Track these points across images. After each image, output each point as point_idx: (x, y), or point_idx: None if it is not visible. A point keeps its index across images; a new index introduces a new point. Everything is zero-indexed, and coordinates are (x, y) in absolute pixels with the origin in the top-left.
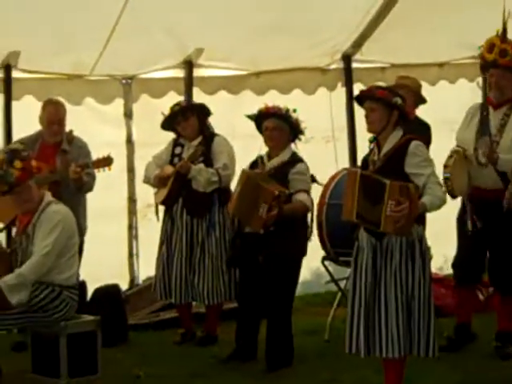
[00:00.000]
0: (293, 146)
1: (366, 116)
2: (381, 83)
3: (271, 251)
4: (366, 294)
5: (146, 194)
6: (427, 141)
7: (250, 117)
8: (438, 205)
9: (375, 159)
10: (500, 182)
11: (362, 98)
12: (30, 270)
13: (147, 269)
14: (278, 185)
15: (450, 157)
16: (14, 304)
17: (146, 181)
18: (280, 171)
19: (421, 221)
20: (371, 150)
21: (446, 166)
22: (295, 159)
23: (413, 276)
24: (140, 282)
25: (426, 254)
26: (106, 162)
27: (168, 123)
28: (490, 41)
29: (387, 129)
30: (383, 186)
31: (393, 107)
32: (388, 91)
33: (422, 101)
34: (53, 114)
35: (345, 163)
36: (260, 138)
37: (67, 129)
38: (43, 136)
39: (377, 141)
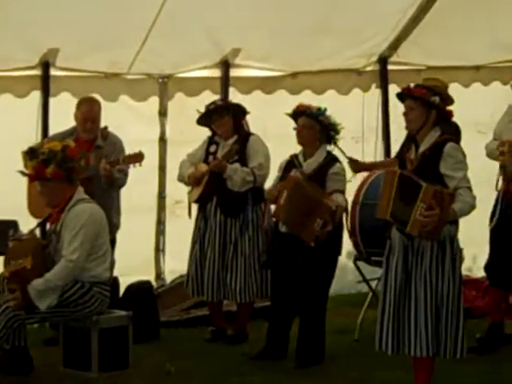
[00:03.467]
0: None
1: (405, 114)
2: None
3: (309, 250)
4: (396, 293)
5: (175, 191)
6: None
7: (289, 114)
8: (468, 211)
9: (412, 158)
10: None
11: (403, 96)
12: (58, 275)
13: (173, 264)
14: (321, 189)
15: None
16: (42, 309)
17: (180, 179)
18: (318, 172)
19: (454, 221)
20: (405, 148)
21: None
22: (331, 159)
23: (442, 277)
24: (165, 277)
25: (456, 255)
26: (137, 158)
27: (203, 120)
28: None
29: (425, 128)
30: (418, 188)
31: (431, 106)
32: (427, 90)
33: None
34: (87, 112)
35: None
36: (293, 138)
37: (102, 125)
38: (78, 132)
39: (415, 139)
